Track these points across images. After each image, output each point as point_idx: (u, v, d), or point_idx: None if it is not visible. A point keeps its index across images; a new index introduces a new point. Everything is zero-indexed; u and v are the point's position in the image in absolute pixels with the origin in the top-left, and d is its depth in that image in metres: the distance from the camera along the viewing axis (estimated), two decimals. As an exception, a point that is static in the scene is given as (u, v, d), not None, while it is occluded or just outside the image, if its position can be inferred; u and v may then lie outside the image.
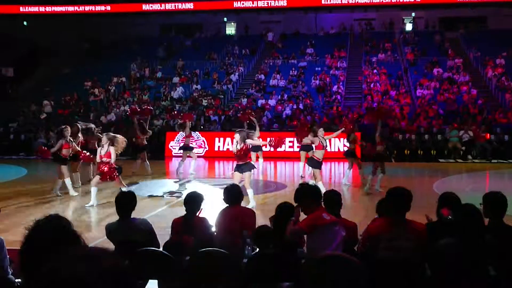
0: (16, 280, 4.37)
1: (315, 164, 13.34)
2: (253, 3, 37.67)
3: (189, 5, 38.45)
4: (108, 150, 12.45)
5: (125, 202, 5.78)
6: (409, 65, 31.59)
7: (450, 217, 5.34)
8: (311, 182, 12.82)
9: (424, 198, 12.38)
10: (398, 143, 23.12)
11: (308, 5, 37.46)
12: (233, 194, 6.55)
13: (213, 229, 6.26)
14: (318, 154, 13.48)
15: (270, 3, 37.50)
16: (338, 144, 22.40)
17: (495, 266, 4.52)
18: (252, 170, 12.39)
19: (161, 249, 5.62)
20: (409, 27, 38.85)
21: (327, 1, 36.68)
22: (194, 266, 4.27)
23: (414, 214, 5.12)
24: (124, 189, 11.54)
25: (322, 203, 5.71)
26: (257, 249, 5.43)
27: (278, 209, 5.94)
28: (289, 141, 23.00)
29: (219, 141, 23.71)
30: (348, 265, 4.15)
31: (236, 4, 37.68)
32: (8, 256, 4.79)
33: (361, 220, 8.12)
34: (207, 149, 23.81)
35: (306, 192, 5.60)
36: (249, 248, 5.82)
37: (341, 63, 32.31)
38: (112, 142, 12.55)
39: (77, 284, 1.47)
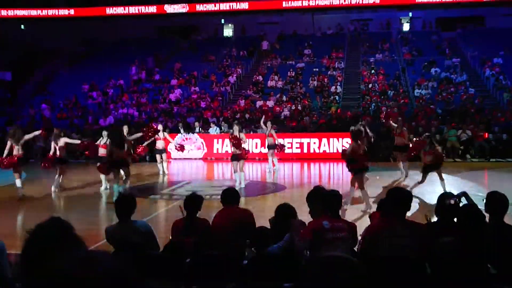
0: (16, 284, 4.36)
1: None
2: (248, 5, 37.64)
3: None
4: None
5: (125, 204, 5.77)
6: (406, 65, 31.64)
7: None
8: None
9: (423, 198, 12.41)
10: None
11: (305, 7, 37.38)
12: (230, 195, 6.56)
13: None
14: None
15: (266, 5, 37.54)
16: (337, 144, 22.43)
17: (495, 264, 4.53)
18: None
19: (161, 251, 5.62)
20: (406, 27, 38.92)
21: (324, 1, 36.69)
22: (195, 267, 4.27)
23: (414, 214, 5.13)
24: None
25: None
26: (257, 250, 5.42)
27: (277, 210, 5.94)
28: (288, 143, 23.05)
29: (217, 143, 23.69)
30: (348, 265, 4.15)
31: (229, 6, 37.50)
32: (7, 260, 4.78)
33: (360, 220, 8.13)
34: (205, 151, 23.81)
35: (314, 195, 5.65)
36: (250, 249, 5.81)
37: (338, 63, 32.34)
38: None
39: (78, 286, 1.48)
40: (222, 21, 41.05)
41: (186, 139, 23.87)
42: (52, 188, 14.64)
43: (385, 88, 28.60)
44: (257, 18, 39.68)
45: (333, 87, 29.38)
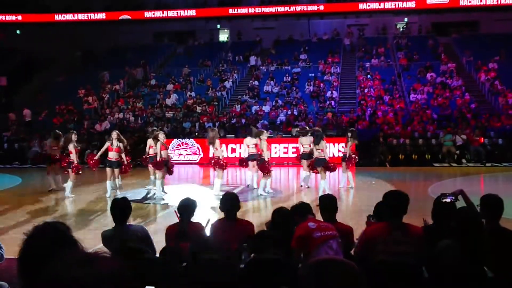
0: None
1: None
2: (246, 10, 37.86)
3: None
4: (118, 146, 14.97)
5: (120, 208, 5.75)
6: (402, 70, 31.69)
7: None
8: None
9: (419, 202, 12.41)
10: (393, 148, 23.18)
11: (304, 12, 37.56)
12: (231, 203, 6.34)
13: (208, 235, 6.18)
14: None
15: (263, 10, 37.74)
16: (333, 149, 22.41)
17: (492, 268, 4.53)
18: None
19: (157, 255, 5.60)
20: (401, 32, 38.98)
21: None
22: (192, 272, 4.26)
23: (410, 217, 5.13)
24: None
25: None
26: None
27: (274, 214, 5.93)
28: (284, 147, 23.06)
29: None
30: (346, 269, 4.14)
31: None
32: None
33: (357, 223, 8.11)
34: (201, 155, 23.76)
35: (294, 211, 5.85)
36: (246, 253, 5.79)
37: (334, 68, 32.35)
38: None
39: (75, 288, 1.46)
40: (218, 26, 41.09)
41: (182, 143, 23.85)
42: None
43: (381, 93, 28.62)
44: (253, 23, 39.76)
45: (329, 92, 29.38)
